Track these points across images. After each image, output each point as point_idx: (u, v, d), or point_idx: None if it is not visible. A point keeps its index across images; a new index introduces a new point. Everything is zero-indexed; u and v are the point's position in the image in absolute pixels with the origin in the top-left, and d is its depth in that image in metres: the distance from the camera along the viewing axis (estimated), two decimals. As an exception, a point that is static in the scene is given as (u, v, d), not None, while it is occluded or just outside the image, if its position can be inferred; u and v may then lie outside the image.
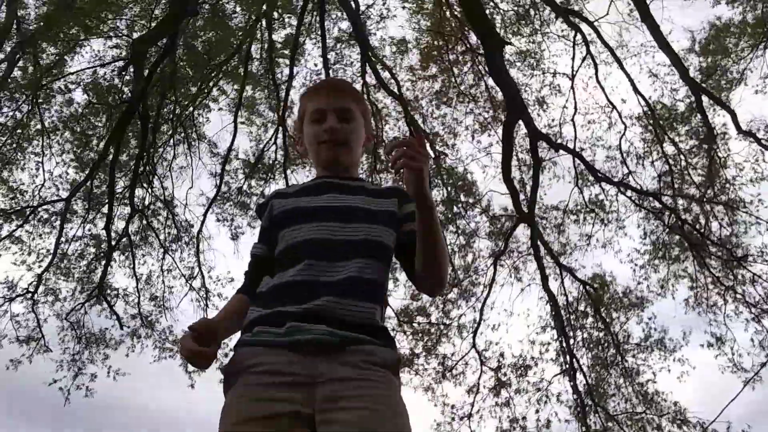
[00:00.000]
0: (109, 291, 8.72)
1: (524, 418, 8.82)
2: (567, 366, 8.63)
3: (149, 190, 8.77)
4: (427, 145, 1.45)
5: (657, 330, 9.09)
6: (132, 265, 8.71)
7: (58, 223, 8.34)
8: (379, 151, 8.09)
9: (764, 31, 8.68)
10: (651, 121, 8.69)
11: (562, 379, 8.85)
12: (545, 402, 8.89)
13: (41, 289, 8.48)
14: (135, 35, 8.40)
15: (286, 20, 9.02)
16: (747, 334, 8.32)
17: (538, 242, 8.42)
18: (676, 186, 8.63)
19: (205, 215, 8.66)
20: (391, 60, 8.80)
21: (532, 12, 8.79)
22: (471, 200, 9.20)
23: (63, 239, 8.39)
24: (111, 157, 7.94)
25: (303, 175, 8.72)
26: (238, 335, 1.57)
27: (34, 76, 8.21)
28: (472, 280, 9.19)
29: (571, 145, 8.54)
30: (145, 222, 8.87)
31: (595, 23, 8.20)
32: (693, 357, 8.85)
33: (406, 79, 8.99)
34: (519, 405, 8.97)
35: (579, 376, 8.60)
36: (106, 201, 8.12)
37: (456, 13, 8.53)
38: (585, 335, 9.00)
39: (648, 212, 8.79)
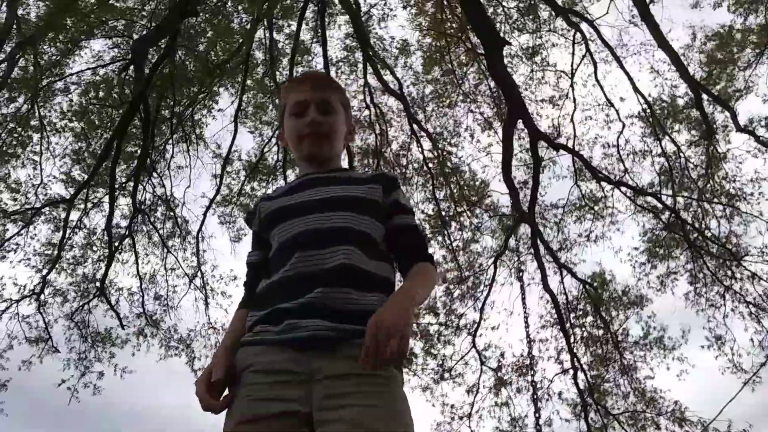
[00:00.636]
0: (110, 290, 8.75)
1: (525, 416, 8.87)
2: (568, 365, 8.66)
3: (151, 190, 8.78)
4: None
5: (656, 328, 9.15)
6: (136, 265, 8.73)
7: (61, 224, 8.34)
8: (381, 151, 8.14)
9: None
10: (651, 120, 8.71)
11: (562, 377, 8.89)
12: (546, 401, 8.93)
13: (47, 290, 8.51)
14: (135, 35, 8.41)
15: (286, 22, 9.02)
16: (747, 334, 8.36)
17: (538, 241, 8.43)
18: (675, 184, 8.65)
19: (204, 215, 8.66)
20: (393, 60, 8.80)
21: (532, 11, 8.80)
22: (476, 198, 9.21)
23: (66, 240, 8.40)
24: (112, 157, 7.94)
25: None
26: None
27: (34, 76, 8.21)
28: (475, 277, 9.20)
29: (570, 143, 8.58)
30: (146, 221, 8.88)
31: (595, 22, 8.22)
32: (693, 358, 8.90)
33: (408, 81, 9.01)
34: (519, 405, 9.01)
35: (580, 375, 8.63)
36: (108, 201, 8.12)
37: (456, 12, 8.53)
38: (585, 334, 9.02)
39: (647, 211, 8.81)
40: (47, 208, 8.56)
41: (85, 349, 8.68)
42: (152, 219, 8.93)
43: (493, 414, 8.97)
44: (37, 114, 8.45)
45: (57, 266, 8.46)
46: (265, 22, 8.44)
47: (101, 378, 8.66)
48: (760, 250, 8.35)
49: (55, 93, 8.66)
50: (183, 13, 7.69)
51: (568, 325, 8.74)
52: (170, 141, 8.97)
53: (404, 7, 8.92)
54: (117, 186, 8.20)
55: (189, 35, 8.64)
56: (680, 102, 8.93)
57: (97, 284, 8.55)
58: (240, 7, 8.84)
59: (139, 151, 8.34)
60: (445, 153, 8.74)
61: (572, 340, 8.74)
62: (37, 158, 8.59)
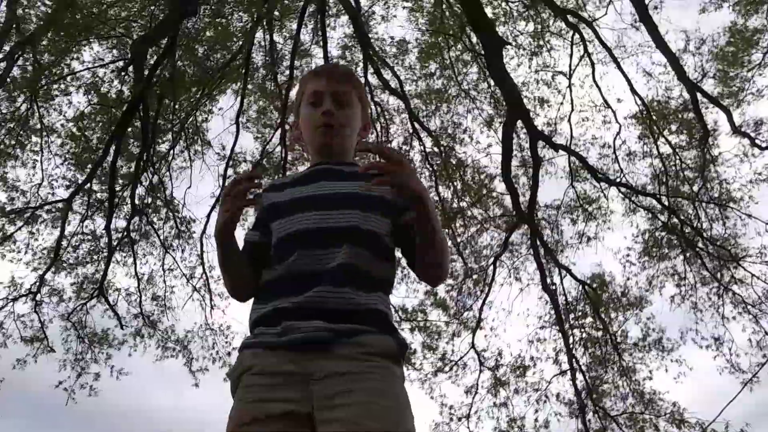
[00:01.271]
0: (110, 291, 8.72)
1: (523, 417, 8.86)
2: (567, 366, 8.67)
3: (151, 190, 8.76)
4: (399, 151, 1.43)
5: (655, 330, 9.16)
6: (134, 265, 8.71)
7: (59, 223, 8.32)
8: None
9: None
10: (648, 121, 8.76)
11: (561, 378, 8.89)
12: (544, 402, 8.93)
13: (44, 289, 8.48)
14: (135, 35, 8.42)
15: (287, 23, 9.05)
16: (745, 334, 8.38)
17: (537, 242, 8.46)
18: (670, 185, 8.70)
19: (208, 216, 8.65)
20: (392, 59, 8.83)
21: (531, 12, 8.85)
22: (478, 194, 9.23)
23: (64, 240, 8.38)
24: (111, 157, 7.94)
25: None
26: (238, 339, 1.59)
27: (34, 76, 8.20)
28: (477, 275, 9.21)
29: (567, 144, 8.63)
30: (145, 221, 8.87)
31: (594, 23, 8.27)
32: (691, 359, 8.90)
33: (408, 80, 9.04)
34: (518, 406, 9.00)
35: (578, 376, 8.64)
36: (107, 201, 8.11)
37: (456, 11, 8.58)
38: (584, 335, 9.04)
39: (645, 211, 8.85)
40: (46, 207, 8.53)
41: (81, 350, 8.67)
42: (152, 219, 8.92)
43: (492, 414, 8.96)
44: (36, 114, 8.44)
45: (55, 266, 8.42)
46: (265, 23, 8.46)
47: (97, 379, 8.65)
48: (758, 250, 8.39)
49: (55, 93, 8.65)
50: (183, 13, 7.73)
51: (567, 325, 8.77)
52: (171, 141, 8.96)
53: (404, 7, 8.96)
54: (117, 186, 8.22)
55: (189, 36, 8.66)
56: (679, 102, 8.98)
57: (96, 285, 8.53)
58: (240, 7, 8.85)
59: (138, 152, 8.35)
60: (447, 149, 8.77)
61: (571, 341, 8.77)
62: (36, 158, 8.58)
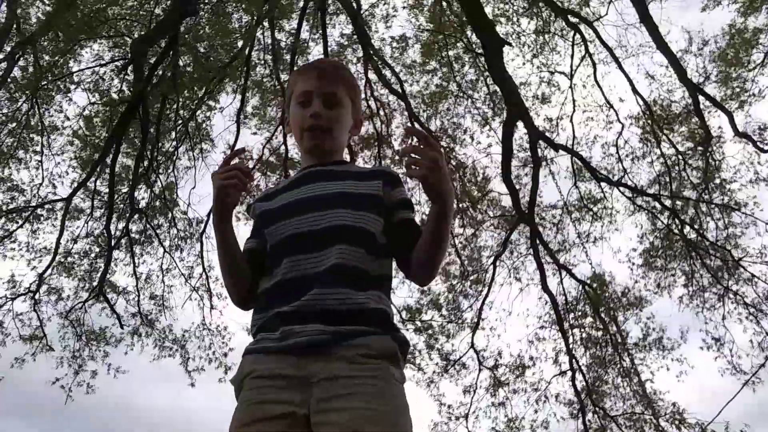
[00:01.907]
0: (109, 290, 8.72)
1: (522, 418, 8.85)
2: (567, 366, 8.66)
3: (151, 190, 8.77)
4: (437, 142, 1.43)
5: (655, 330, 9.14)
6: (133, 264, 8.71)
7: (58, 222, 8.33)
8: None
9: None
10: (650, 121, 8.73)
11: (560, 378, 8.88)
12: (544, 402, 8.92)
13: (43, 288, 8.49)
14: (135, 35, 8.42)
15: (287, 23, 9.04)
16: (746, 335, 8.36)
17: (538, 242, 8.44)
18: (673, 186, 8.67)
19: (208, 216, 8.65)
20: (392, 59, 8.82)
21: (532, 11, 8.84)
22: (479, 195, 9.22)
23: (64, 238, 8.40)
24: (111, 156, 7.94)
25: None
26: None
27: (34, 76, 8.21)
28: (478, 275, 9.21)
29: (568, 144, 8.61)
30: (145, 221, 8.87)
31: (595, 24, 8.25)
32: (692, 359, 8.88)
33: (408, 79, 9.03)
34: (517, 406, 8.99)
35: (578, 376, 8.63)
36: (107, 200, 8.12)
37: (455, 11, 8.56)
38: (584, 335, 9.02)
39: (647, 211, 8.83)
40: (46, 206, 8.54)
41: (79, 348, 8.69)
42: (151, 219, 8.92)
43: (489, 414, 8.95)
44: (36, 114, 8.44)
45: (54, 265, 8.44)
46: (265, 23, 8.46)
47: (95, 377, 8.68)
48: (758, 251, 8.37)
49: (55, 93, 8.66)
50: (183, 12, 7.73)
51: (566, 325, 8.75)
52: (171, 141, 8.97)
53: (404, 7, 8.94)
54: (116, 186, 8.23)
55: (189, 36, 8.66)
56: (681, 103, 8.95)
57: (95, 283, 8.54)
58: (240, 7, 8.84)
59: (138, 150, 8.35)
60: (447, 150, 8.76)
61: (571, 341, 8.75)
62: (37, 158, 8.59)
